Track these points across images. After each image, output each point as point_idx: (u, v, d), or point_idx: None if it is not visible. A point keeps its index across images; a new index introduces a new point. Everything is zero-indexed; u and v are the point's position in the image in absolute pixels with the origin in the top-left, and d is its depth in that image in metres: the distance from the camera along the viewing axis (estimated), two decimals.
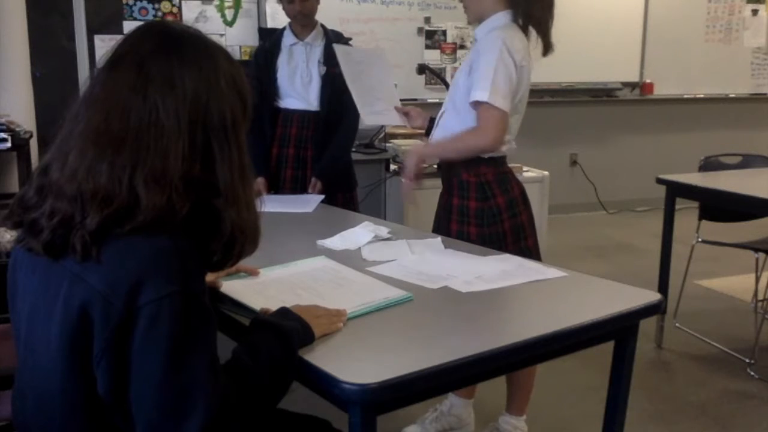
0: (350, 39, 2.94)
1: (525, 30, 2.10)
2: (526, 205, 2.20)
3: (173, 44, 1.09)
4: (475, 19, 2.15)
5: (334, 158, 2.85)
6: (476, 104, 2.02)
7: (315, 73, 2.82)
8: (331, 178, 2.82)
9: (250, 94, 1.16)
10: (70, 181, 1.02)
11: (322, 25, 2.88)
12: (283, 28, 2.89)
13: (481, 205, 2.12)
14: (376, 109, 2.41)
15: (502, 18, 2.09)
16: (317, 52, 2.84)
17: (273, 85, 2.84)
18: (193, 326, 1.01)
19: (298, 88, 2.84)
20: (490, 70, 1.99)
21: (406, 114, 2.35)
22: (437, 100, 5.26)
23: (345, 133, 2.87)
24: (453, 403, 2.42)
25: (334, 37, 2.86)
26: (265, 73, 2.83)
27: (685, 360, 3.16)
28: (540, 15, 2.10)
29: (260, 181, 2.81)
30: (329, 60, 2.81)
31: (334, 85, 2.80)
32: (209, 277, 1.41)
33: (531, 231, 2.18)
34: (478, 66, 2.03)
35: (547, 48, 2.14)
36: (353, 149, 3.13)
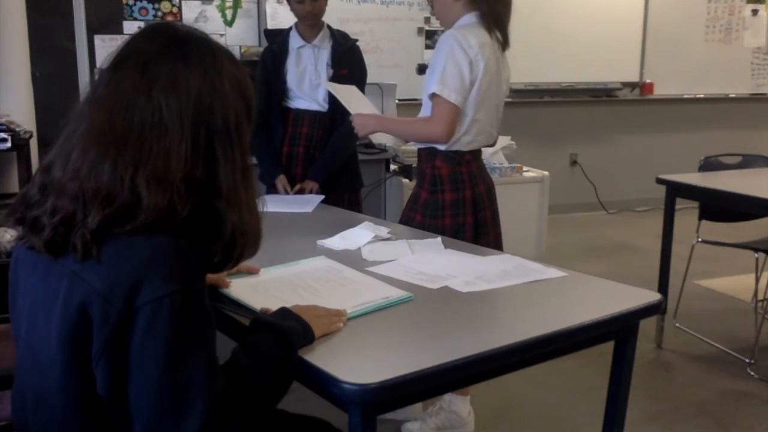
0: (357, 40, 2.94)
1: (492, 29, 2.18)
2: (475, 210, 2.25)
3: (178, 46, 1.09)
4: (448, 25, 2.25)
5: (327, 160, 2.84)
6: (431, 97, 2.14)
7: (324, 76, 2.82)
8: (325, 180, 2.82)
9: (254, 97, 1.16)
10: (73, 180, 1.03)
11: (329, 26, 2.88)
12: (289, 29, 2.89)
13: (430, 197, 2.24)
14: None
15: (466, 19, 2.19)
16: (325, 54, 2.83)
17: (282, 87, 2.84)
18: (191, 326, 1.01)
19: (307, 90, 2.84)
20: (440, 65, 2.11)
21: None
22: None
23: (341, 137, 2.86)
24: (452, 400, 2.44)
25: (340, 38, 2.86)
26: (274, 76, 2.83)
27: (685, 360, 3.16)
28: (500, 12, 2.19)
29: (282, 179, 2.81)
30: (337, 62, 2.81)
31: None
32: (212, 276, 1.41)
33: (470, 235, 2.23)
34: (433, 63, 2.16)
35: (505, 44, 2.23)
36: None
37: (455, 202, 2.22)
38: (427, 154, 2.26)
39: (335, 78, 2.81)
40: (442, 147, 2.20)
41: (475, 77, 2.12)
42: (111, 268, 0.99)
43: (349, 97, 2.45)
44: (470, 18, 2.18)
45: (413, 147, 3.93)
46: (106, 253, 1.00)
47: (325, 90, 2.82)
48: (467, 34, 2.12)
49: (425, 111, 2.22)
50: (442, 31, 2.25)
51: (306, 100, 2.85)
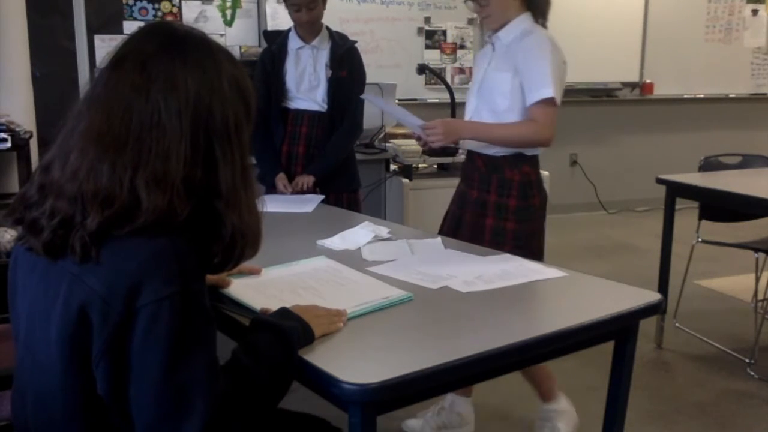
0: (356, 42, 2.95)
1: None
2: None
3: (177, 45, 1.08)
4: (500, 24, 2.20)
5: (326, 158, 2.84)
6: (540, 102, 2.09)
7: (322, 76, 2.83)
8: (321, 176, 2.82)
9: (253, 97, 1.16)
10: (71, 181, 1.02)
11: (327, 28, 2.89)
12: (288, 30, 2.89)
13: (522, 203, 2.20)
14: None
15: (526, 19, 2.17)
16: (324, 55, 2.84)
17: (281, 88, 2.84)
18: (192, 327, 1.01)
19: (306, 91, 2.84)
20: (548, 69, 2.07)
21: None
22: (437, 100, 5.26)
23: (341, 136, 2.86)
24: (454, 400, 2.43)
25: (339, 40, 2.87)
26: (273, 76, 2.83)
27: (685, 360, 3.16)
28: (546, 10, 2.21)
29: (282, 177, 2.81)
30: (336, 63, 2.81)
31: (340, 88, 2.82)
32: (213, 276, 1.41)
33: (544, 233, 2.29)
34: (531, 66, 2.10)
35: None
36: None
37: (542, 204, 2.24)
38: (514, 161, 2.19)
39: (334, 79, 2.81)
40: (530, 152, 2.19)
41: (564, 79, 2.14)
42: (110, 270, 0.99)
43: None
44: (527, 18, 2.17)
45: (413, 147, 3.93)
46: (105, 255, 1.00)
47: (323, 91, 2.83)
48: (551, 36, 2.12)
49: (500, 118, 2.17)
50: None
51: (305, 101, 2.85)
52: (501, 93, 2.17)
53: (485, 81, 2.25)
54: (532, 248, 2.18)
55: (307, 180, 2.79)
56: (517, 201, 2.20)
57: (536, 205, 2.22)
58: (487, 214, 2.23)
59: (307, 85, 2.84)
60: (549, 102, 2.09)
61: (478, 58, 2.38)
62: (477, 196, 2.26)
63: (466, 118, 2.31)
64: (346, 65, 2.84)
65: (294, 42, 2.85)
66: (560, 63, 2.12)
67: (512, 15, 2.18)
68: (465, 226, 2.27)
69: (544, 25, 2.21)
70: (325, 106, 2.84)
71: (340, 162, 2.90)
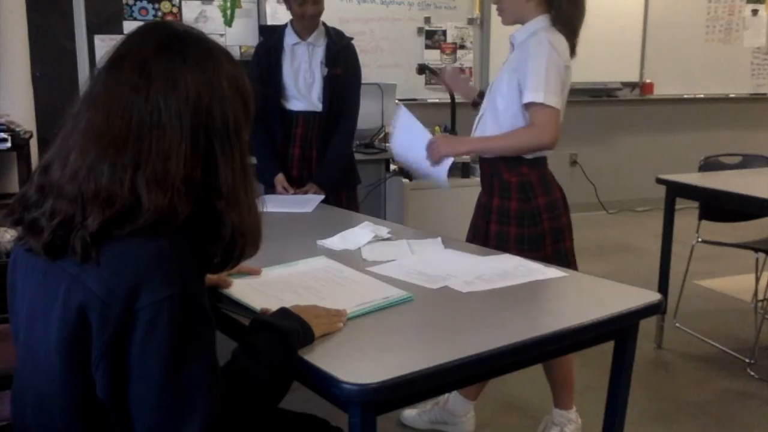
0: (352, 38, 2.94)
1: (566, 34, 2.15)
2: (566, 209, 2.23)
3: (176, 45, 1.08)
4: (512, 21, 2.19)
5: (330, 165, 2.84)
6: (530, 105, 2.05)
7: (317, 74, 2.81)
8: (330, 184, 2.81)
9: (252, 97, 1.16)
10: (71, 182, 1.02)
11: (324, 24, 2.87)
12: (284, 26, 2.88)
13: (522, 205, 2.15)
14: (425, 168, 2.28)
15: (541, 22, 2.14)
16: (319, 52, 2.83)
17: (278, 85, 2.82)
18: (191, 329, 1.01)
19: (302, 89, 2.83)
20: (542, 71, 2.03)
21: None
22: (437, 100, 5.26)
23: (341, 138, 2.86)
24: (449, 399, 2.44)
25: (335, 37, 2.86)
26: (267, 72, 2.82)
27: (685, 360, 3.16)
28: (573, 16, 2.16)
29: (280, 178, 2.80)
30: (331, 61, 2.80)
31: (336, 86, 2.81)
32: (213, 276, 1.41)
33: (569, 234, 2.22)
34: (527, 68, 2.06)
35: (573, 50, 2.18)
36: (354, 149, 3.12)
37: (549, 204, 2.17)
38: (512, 162, 2.16)
39: (329, 77, 2.80)
40: (529, 155, 2.15)
41: (566, 82, 2.11)
42: (110, 271, 0.99)
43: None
44: (544, 20, 2.13)
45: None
46: (105, 256, 1.00)
47: (319, 89, 2.81)
48: (558, 40, 2.09)
49: (498, 120, 2.14)
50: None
51: (300, 101, 2.83)
52: (500, 93, 2.16)
53: (494, 81, 2.24)
54: (545, 253, 2.12)
55: (316, 193, 2.77)
56: (518, 204, 2.15)
57: (541, 206, 2.15)
58: (491, 219, 2.20)
59: (302, 83, 2.83)
60: (540, 105, 2.05)
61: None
62: (485, 201, 2.25)
63: (478, 116, 2.29)
64: (341, 63, 2.82)
65: (290, 38, 2.83)
66: (559, 66, 2.06)
67: (528, 15, 2.14)
68: (479, 232, 2.24)
69: (568, 28, 2.15)
70: (321, 106, 2.82)
71: (344, 164, 2.90)
